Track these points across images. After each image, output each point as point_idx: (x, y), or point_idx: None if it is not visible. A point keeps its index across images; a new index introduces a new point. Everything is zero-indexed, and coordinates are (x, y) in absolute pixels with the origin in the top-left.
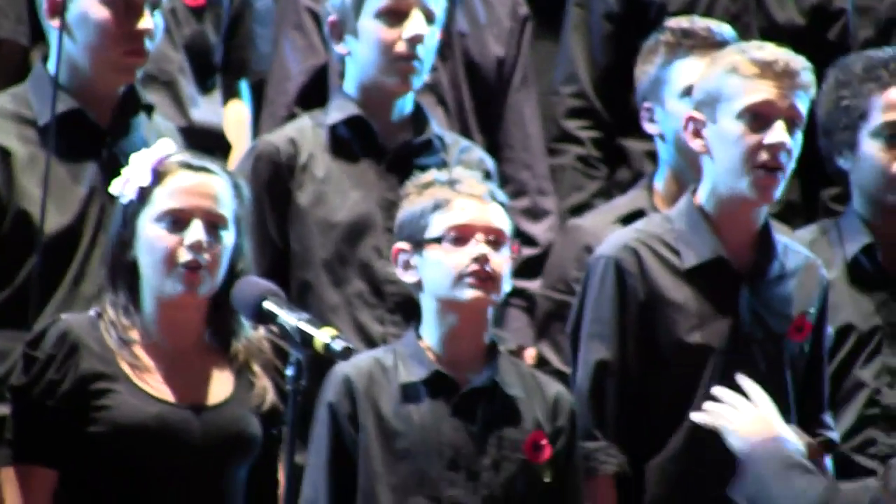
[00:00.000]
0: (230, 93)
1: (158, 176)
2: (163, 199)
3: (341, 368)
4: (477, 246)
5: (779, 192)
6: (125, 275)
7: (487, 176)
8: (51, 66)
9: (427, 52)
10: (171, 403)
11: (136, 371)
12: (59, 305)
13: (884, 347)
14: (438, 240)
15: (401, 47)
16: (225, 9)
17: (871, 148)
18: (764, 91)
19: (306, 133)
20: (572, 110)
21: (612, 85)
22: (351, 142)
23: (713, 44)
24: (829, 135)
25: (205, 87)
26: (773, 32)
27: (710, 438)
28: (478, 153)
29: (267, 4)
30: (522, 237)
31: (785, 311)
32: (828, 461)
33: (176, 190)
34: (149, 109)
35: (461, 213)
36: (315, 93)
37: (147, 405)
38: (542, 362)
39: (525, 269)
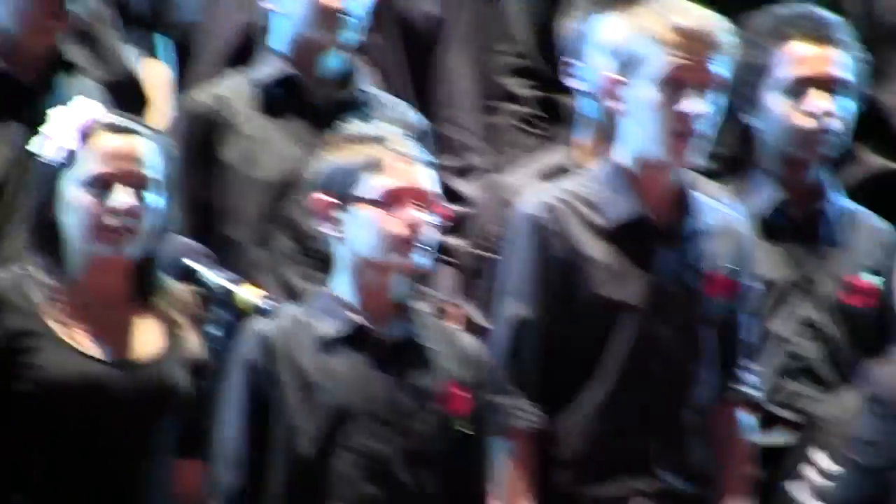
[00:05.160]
0: (147, 47)
1: (83, 138)
2: (87, 163)
3: (257, 325)
4: (410, 211)
5: (694, 154)
6: (48, 235)
7: (422, 136)
8: None
9: (357, 5)
10: (99, 360)
11: (62, 328)
12: None
13: (799, 301)
14: (369, 200)
15: None
16: None
17: (774, 102)
18: (681, 58)
19: (234, 90)
20: (511, 68)
21: (551, 42)
22: (280, 98)
23: None
24: (734, 91)
25: (124, 40)
26: None
27: (628, 395)
28: (409, 111)
29: None
30: (452, 195)
31: (703, 268)
32: (749, 419)
33: (101, 153)
34: (71, 67)
35: (394, 175)
36: (243, 50)
37: (74, 362)
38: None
39: (455, 226)
